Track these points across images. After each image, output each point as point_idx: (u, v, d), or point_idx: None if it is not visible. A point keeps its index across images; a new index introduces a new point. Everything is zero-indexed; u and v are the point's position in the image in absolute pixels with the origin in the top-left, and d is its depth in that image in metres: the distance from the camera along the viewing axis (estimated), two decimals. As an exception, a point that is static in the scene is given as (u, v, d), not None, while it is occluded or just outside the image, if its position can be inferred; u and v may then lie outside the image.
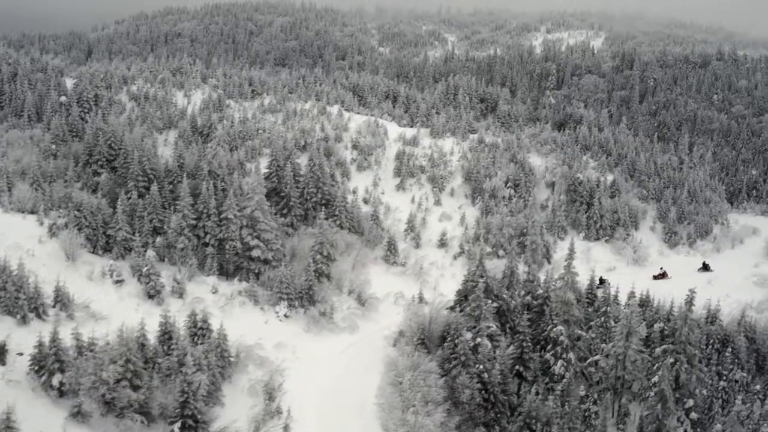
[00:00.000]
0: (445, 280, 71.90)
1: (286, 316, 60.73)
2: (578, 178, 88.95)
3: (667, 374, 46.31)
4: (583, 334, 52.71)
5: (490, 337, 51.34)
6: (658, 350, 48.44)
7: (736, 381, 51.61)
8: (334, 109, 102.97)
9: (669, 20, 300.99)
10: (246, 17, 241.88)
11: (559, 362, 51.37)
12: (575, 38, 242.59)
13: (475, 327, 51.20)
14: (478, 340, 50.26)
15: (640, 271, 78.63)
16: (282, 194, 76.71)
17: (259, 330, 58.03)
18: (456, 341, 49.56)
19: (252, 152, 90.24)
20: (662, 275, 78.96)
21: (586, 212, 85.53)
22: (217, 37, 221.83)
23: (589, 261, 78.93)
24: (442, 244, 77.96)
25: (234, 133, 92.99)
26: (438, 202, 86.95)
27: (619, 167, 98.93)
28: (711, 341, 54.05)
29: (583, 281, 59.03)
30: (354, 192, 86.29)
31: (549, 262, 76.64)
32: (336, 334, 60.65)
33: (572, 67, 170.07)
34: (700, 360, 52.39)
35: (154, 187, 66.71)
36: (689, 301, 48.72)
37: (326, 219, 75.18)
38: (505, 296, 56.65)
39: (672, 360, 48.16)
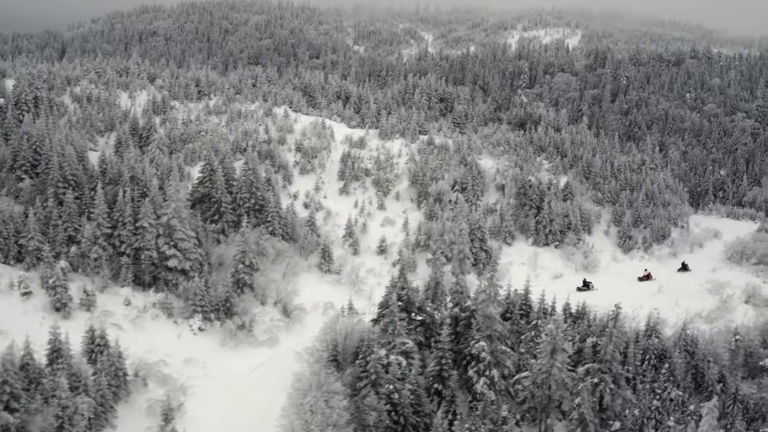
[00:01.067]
0: (382, 288, 68.01)
1: (200, 329, 57.28)
2: (529, 180, 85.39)
3: (588, 396, 42.96)
4: (508, 350, 49.19)
5: (405, 354, 47.84)
6: (580, 370, 44.96)
7: (671, 400, 48.10)
8: (281, 111, 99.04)
9: (647, 18, 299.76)
10: (221, 15, 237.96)
11: (482, 380, 47.80)
12: (551, 36, 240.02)
13: (389, 343, 47.76)
14: (392, 357, 46.70)
15: (589, 278, 75.25)
16: (213, 199, 72.97)
17: (170, 345, 54.66)
18: (367, 358, 45.99)
19: (192, 155, 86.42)
20: (647, 277, 77.23)
21: (535, 216, 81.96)
22: (191, 36, 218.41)
23: (536, 268, 75.67)
24: (382, 250, 74.34)
25: (174, 136, 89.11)
26: (382, 207, 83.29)
27: (574, 169, 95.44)
28: (647, 357, 50.68)
29: (535, 291, 55.83)
30: (294, 196, 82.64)
31: (494, 270, 72.97)
32: (255, 348, 57.36)
33: (545, 65, 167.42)
34: (633, 377, 49.23)
35: (69, 195, 62.99)
36: (614, 317, 45.33)
37: (258, 225, 71.99)
38: (428, 309, 53.21)
39: (596, 380, 44.81)
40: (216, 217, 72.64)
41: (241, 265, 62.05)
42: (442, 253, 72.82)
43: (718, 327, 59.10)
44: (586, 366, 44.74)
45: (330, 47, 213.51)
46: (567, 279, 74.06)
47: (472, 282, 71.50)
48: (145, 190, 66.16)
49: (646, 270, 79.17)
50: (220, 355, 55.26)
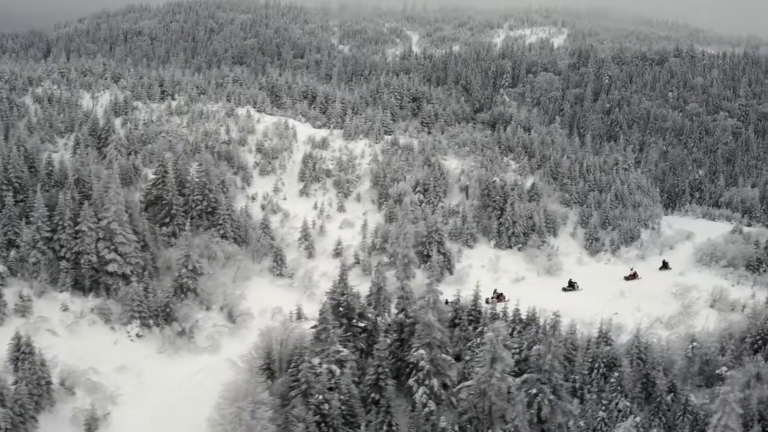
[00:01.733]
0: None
1: (138, 335, 55.33)
2: (494, 181, 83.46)
3: (522, 408, 41.06)
4: (449, 358, 47.27)
5: (340, 362, 45.87)
6: (517, 380, 42.99)
7: (619, 411, 46.17)
8: (243, 111, 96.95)
9: (635, 17, 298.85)
10: (207, 15, 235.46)
11: (421, 389, 45.84)
12: (537, 35, 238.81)
13: (323, 351, 45.83)
14: (324, 366, 44.80)
15: (552, 281, 73.42)
16: (164, 202, 70.97)
17: (105, 351, 52.83)
18: (299, 367, 44.07)
19: (150, 157, 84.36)
20: (633, 276, 75.81)
21: (498, 218, 79.93)
22: (176, 35, 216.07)
23: (497, 271, 73.75)
24: (338, 253, 72.35)
25: (133, 137, 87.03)
26: (342, 209, 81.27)
27: (541, 170, 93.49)
28: (596, 365, 48.68)
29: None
30: (252, 198, 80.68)
31: (451, 273, 71.24)
32: (195, 354, 55.50)
33: (528, 64, 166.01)
34: (580, 387, 47.29)
35: (9, 197, 61.03)
36: (553, 325, 43.37)
37: (210, 228, 70.14)
38: (369, 315, 51.29)
39: (534, 391, 42.91)
40: (167, 220, 70.64)
41: (184, 270, 60.12)
42: (398, 256, 71.24)
43: (679, 333, 57.31)
44: (524, 376, 42.78)
45: (314, 47, 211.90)
46: (529, 282, 72.16)
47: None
48: (90, 192, 64.19)
49: (632, 269, 78.18)
50: (156, 363, 53.36)
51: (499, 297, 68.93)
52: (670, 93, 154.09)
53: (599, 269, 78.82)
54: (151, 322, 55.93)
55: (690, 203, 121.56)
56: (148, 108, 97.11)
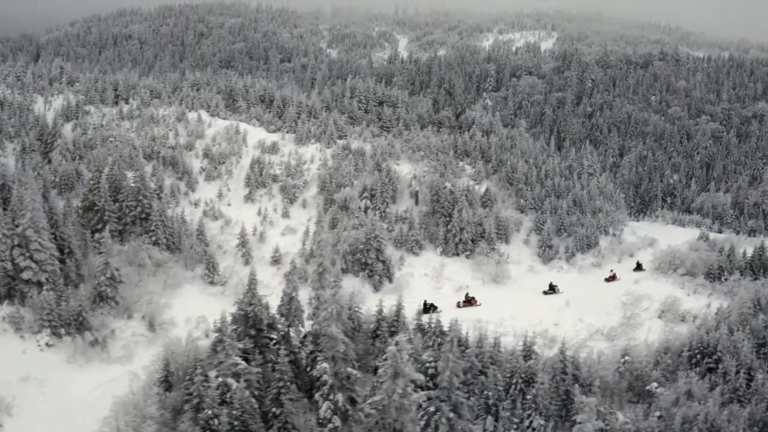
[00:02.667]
0: (271, 300, 64.40)
1: (48, 345, 53.06)
2: (445, 187, 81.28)
3: (412, 428, 38.89)
4: (354, 372, 45.03)
5: (237, 375, 43.74)
6: (415, 396, 40.70)
7: (533, 429, 44.02)
8: (194, 115, 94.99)
9: (627, 21, 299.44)
10: (197, 19, 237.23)
11: (325, 404, 43.68)
12: (526, 39, 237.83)
13: (220, 363, 43.73)
14: (219, 379, 42.72)
15: (498, 289, 71.30)
16: (96, 208, 69.07)
17: (12, 361, 50.59)
18: (193, 380, 41.97)
19: (95, 162, 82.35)
20: (612, 277, 75.78)
21: (446, 225, 77.66)
22: (165, 39, 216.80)
23: (440, 279, 71.57)
24: (275, 260, 70.25)
25: (79, 142, 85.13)
26: (286, 215, 79.10)
27: (497, 174, 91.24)
28: (514, 381, 46.47)
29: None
30: (195, 204, 78.64)
31: (390, 281, 69.09)
32: (108, 365, 53.22)
33: (512, 68, 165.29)
34: (495, 404, 45.07)
35: (-73, 203, 59.25)
36: (451, 340, 41.11)
37: (143, 234, 68.24)
38: (279, 326, 49.17)
39: (432, 409, 40.74)
40: (100, 226, 68.73)
41: (102, 278, 58.10)
42: (334, 264, 69.14)
43: (617, 345, 55.20)
44: (422, 393, 40.56)
45: (302, 50, 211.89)
46: (474, 291, 69.68)
47: (367, 296, 67.94)
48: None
49: (612, 271, 77.74)
50: (63, 373, 51.14)
51: (470, 301, 67.87)
52: (653, 96, 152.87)
53: (550, 277, 76.50)
54: (62, 331, 53.69)
55: (662, 209, 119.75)
56: (100, 112, 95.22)
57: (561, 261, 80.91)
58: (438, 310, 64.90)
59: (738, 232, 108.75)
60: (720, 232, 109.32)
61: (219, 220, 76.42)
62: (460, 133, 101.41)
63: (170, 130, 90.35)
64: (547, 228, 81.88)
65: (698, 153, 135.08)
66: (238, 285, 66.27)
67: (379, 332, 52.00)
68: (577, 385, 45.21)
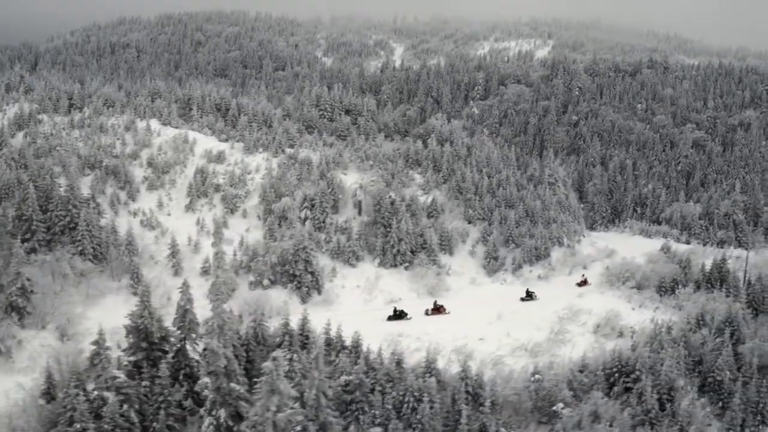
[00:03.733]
0: (196, 311, 63.26)
1: (-53, 357, 52.33)
2: (390, 196, 79.91)
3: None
4: (237, 387, 43.70)
5: (117, 389, 42.60)
6: (281, 416, 39.27)
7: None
8: (143, 124, 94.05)
9: (625, 28, 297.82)
10: (196, 27, 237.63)
11: (208, 420, 42.44)
12: (522, 47, 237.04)
13: (99, 376, 42.65)
14: (95, 392, 41.64)
15: (439, 302, 69.62)
16: (24, 217, 68.26)
17: None
18: (68, 392, 40.87)
19: (40, 171, 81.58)
20: (584, 282, 75.75)
21: (384, 236, 76.20)
22: (162, 48, 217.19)
23: (373, 291, 70.12)
24: (205, 271, 69.08)
25: (26, 151, 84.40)
26: (225, 225, 77.89)
27: (447, 184, 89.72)
28: (406, 399, 44.87)
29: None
30: (134, 214, 77.64)
31: (319, 293, 67.75)
32: (10, 375, 52.13)
33: (501, 76, 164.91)
34: (384, 422, 43.53)
35: None
36: (316, 357, 39.77)
37: (70, 244, 67.39)
38: (172, 339, 47.99)
39: (299, 429, 39.32)
40: (28, 236, 67.94)
41: (14, 288, 57.18)
42: (264, 275, 68.19)
43: (539, 361, 53.45)
44: (288, 412, 39.13)
45: (296, 59, 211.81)
46: (409, 304, 68.25)
47: (294, 307, 66.72)
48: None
49: (583, 275, 77.55)
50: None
51: (438, 309, 67.15)
52: (639, 105, 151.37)
53: (493, 290, 75.07)
54: (-37, 342, 52.92)
55: (632, 218, 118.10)
56: (52, 121, 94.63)
57: (506, 273, 79.21)
58: (408, 317, 64.89)
59: (706, 244, 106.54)
60: (687, 243, 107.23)
61: (155, 230, 75.32)
62: (423, 142, 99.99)
63: (117, 139, 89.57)
64: (493, 239, 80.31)
65: (679, 162, 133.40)
66: (162, 296, 65.29)
67: (283, 346, 50.49)
68: (466, 404, 43.79)
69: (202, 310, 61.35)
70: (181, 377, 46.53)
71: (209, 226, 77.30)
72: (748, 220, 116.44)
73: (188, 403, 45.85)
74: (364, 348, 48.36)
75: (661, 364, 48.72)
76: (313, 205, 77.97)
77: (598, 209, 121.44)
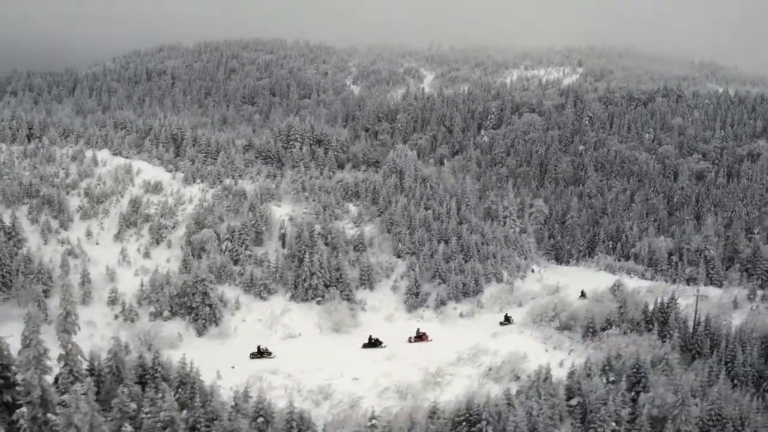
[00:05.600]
0: (93, 341, 64.20)
1: None
2: (315, 229, 79.86)
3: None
4: (53, 418, 43.99)
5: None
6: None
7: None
8: (91, 153, 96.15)
9: (660, 56, 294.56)
10: (231, 55, 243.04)
11: (23, 450, 42.84)
12: (551, 75, 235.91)
13: None
14: None
15: (335, 339, 69.15)
16: (-64, 245, 70.53)
17: None
18: None
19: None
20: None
21: (297, 269, 75.98)
22: (195, 75, 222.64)
23: (273, 326, 69.89)
24: (112, 301, 70.01)
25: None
26: (147, 255, 79.02)
27: (381, 217, 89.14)
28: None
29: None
30: (62, 243, 79.25)
31: (217, 325, 67.93)
32: None
33: (516, 105, 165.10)
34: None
35: None
36: (85, 392, 39.61)
37: (-18, 272, 69.22)
38: (13, 368, 48.56)
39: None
40: (-59, 264, 70.07)
41: None
42: (166, 307, 68.76)
43: (409, 405, 52.06)
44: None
45: (323, 87, 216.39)
46: (305, 339, 68.24)
47: (191, 340, 67.18)
48: None
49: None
50: None
51: (421, 337, 68.64)
52: (647, 134, 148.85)
53: (407, 327, 73.79)
54: None
55: (603, 253, 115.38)
56: (8, 150, 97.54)
57: (428, 310, 77.96)
58: (382, 345, 66.34)
59: (674, 281, 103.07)
60: (652, 279, 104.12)
61: (78, 259, 76.71)
62: (376, 171, 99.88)
63: (62, 168, 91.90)
64: (415, 274, 79.33)
65: (676, 193, 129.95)
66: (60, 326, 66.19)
67: (146, 379, 50.52)
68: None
69: (100, 340, 62.68)
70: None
71: (131, 256, 78.47)
72: (727, 256, 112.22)
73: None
74: (227, 385, 48.40)
75: (533, 412, 46.91)
76: (231, 237, 78.50)
77: (576, 242, 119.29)
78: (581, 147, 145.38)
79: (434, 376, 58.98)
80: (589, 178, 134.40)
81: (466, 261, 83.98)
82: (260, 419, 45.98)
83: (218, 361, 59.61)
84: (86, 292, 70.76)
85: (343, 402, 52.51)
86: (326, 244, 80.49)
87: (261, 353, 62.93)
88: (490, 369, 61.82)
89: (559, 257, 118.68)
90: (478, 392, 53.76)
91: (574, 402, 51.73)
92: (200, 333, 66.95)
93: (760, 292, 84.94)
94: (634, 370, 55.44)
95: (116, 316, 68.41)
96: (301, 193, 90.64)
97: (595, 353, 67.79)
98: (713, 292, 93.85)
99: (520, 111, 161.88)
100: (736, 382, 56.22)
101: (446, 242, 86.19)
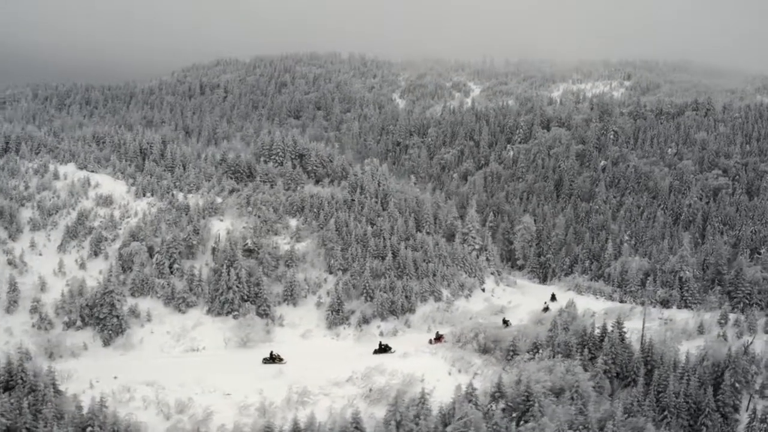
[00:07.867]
0: (8, 347, 67.24)
1: None
2: (245, 244, 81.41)
3: None
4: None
5: None
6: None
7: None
8: (53, 167, 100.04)
9: (713, 69, 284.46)
10: (284, 69, 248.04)
11: None
12: (597, 89, 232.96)
13: None
14: None
15: (243, 353, 70.37)
16: None
17: None
18: None
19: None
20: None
21: (216, 283, 77.50)
22: (248, 89, 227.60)
23: (181, 339, 71.79)
24: (34, 309, 73.24)
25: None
26: (83, 266, 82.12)
27: (319, 233, 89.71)
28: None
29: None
30: (7, 253, 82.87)
31: (122, 336, 70.15)
32: None
33: (546, 119, 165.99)
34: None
35: None
36: None
37: None
38: None
39: None
40: None
41: None
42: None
43: (257, 423, 52.39)
44: None
45: (367, 101, 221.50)
46: (208, 353, 70.31)
47: (98, 350, 69.38)
48: None
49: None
50: None
51: (439, 339, 73.51)
52: (669, 149, 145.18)
53: (323, 345, 74.54)
54: None
55: (579, 273, 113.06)
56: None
57: (349, 327, 78.31)
58: (391, 351, 69.56)
59: (644, 303, 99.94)
60: (622, 301, 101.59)
61: (17, 269, 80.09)
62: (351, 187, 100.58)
63: (24, 181, 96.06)
64: (337, 291, 79.86)
65: (683, 211, 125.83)
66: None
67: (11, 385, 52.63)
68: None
69: (13, 347, 65.09)
70: None
71: (68, 267, 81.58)
72: (709, 278, 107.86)
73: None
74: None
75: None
76: (159, 251, 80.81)
77: (558, 260, 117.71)
78: (602, 162, 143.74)
79: (301, 396, 58.67)
80: (598, 194, 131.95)
81: (399, 278, 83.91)
82: (89, 428, 47.52)
83: (117, 371, 61.91)
84: (11, 301, 74.07)
85: (195, 416, 53.43)
86: (256, 259, 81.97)
87: (273, 359, 66.32)
88: (370, 390, 61.37)
89: (547, 275, 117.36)
90: (339, 413, 53.57)
91: (449, 429, 50.77)
92: (106, 343, 69.52)
93: (732, 317, 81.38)
94: (523, 398, 54.55)
95: (33, 325, 71.39)
96: (244, 208, 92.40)
97: (508, 377, 66.46)
98: (682, 315, 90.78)
99: (550, 125, 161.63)
100: (666, 413, 54.71)
101: (382, 258, 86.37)
